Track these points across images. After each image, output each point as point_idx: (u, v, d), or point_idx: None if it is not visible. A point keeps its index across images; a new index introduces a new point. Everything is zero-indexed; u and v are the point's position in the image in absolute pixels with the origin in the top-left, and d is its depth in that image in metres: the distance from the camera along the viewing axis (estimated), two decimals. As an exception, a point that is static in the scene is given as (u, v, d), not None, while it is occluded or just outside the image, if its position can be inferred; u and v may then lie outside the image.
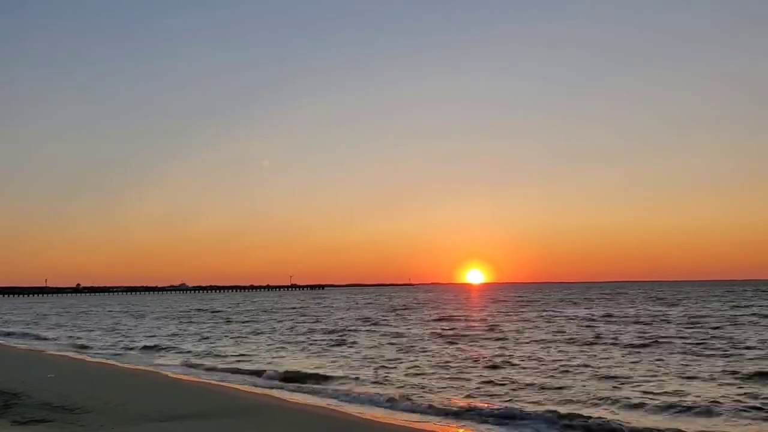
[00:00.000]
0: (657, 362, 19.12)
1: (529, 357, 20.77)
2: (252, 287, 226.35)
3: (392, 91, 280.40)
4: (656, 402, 13.20)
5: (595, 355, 20.89)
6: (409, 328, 34.64)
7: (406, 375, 17.69)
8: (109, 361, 22.39)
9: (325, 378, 17.63)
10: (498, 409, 12.86)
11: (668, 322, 35.44)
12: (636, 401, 13.32)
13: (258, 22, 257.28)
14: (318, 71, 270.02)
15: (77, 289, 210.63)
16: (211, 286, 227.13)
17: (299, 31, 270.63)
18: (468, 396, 14.48)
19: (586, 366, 18.36)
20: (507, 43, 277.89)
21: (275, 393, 15.27)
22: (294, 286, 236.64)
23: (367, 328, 35.90)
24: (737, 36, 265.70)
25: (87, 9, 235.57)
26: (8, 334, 37.91)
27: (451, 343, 26.21)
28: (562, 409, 12.54)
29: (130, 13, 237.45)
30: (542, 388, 15.14)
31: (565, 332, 29.99)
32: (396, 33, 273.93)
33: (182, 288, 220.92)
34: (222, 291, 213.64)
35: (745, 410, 12.45)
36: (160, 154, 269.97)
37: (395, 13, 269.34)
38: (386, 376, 17.41)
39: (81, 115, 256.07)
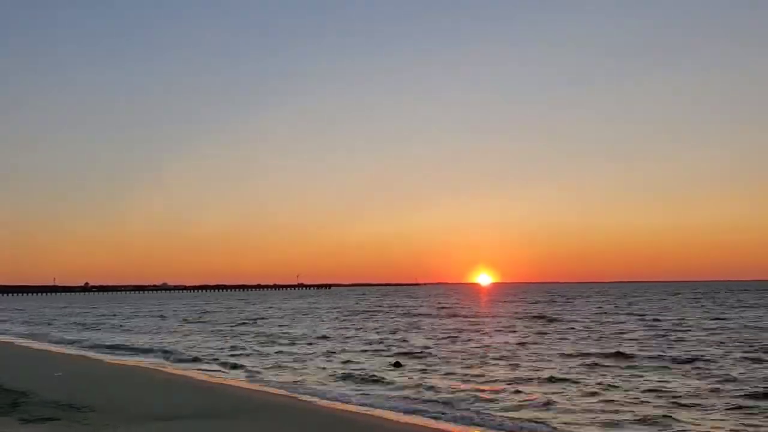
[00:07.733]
0: None
1: None
2: (259, 286, 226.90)
3: (401, 90, 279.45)
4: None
5: None
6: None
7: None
8: (114, 360, 22.44)
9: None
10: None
11: None
12: None
13: (257, 22, 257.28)
14: (325, 71, 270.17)
15: (86, 288, 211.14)
16: (218, 285, 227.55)
17: (301, 30, 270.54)
18: None
19: None
20: (511, 40, 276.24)
21: (282, 393, 15.25)
22: (301, 286, 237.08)
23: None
24: (744, 34, 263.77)
25: (86, 8, 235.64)
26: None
27: None
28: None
29: (132, 12, 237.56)
30: None
31: None
32: (400, 33, 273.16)
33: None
34: (230, 290, 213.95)
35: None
36: (166, 154, 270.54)
37: (397, 11, 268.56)
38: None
39: (86, 115, 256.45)
